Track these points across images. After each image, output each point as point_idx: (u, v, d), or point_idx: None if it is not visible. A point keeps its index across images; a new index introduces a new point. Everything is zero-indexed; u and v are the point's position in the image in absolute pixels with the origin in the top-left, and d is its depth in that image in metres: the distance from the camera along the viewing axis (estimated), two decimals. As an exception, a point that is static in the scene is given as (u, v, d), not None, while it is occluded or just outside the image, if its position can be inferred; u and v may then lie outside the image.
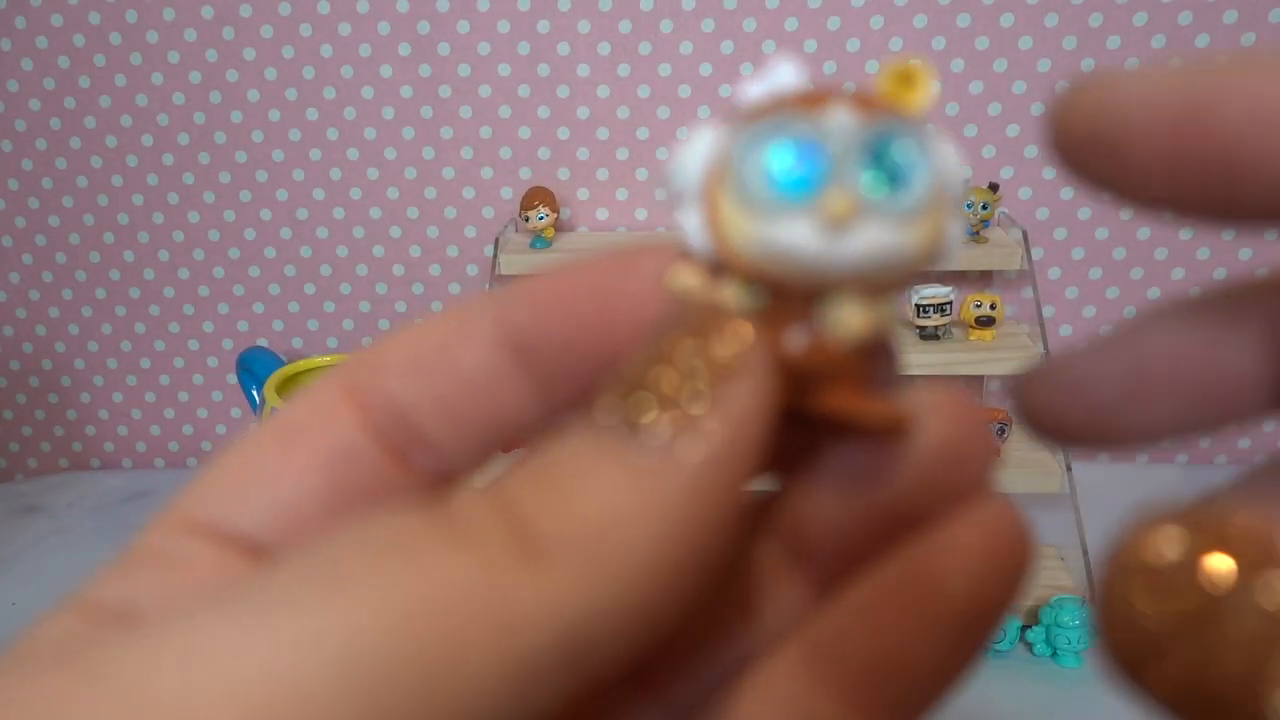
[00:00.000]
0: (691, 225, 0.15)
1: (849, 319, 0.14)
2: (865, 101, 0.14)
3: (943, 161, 0.15)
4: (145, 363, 1.03)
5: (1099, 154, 0.13)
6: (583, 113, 0.90)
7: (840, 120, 0.14)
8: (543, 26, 0.88)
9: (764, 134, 0.15)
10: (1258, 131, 0.12)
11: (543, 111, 0.90)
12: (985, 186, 0.82)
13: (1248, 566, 0.11)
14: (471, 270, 0.96)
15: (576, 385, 0.15)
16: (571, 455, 0.13)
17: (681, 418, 0.12)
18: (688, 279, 0.15)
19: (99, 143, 0.95)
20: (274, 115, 0.93)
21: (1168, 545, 0.12)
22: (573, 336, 0.15)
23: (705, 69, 0.87)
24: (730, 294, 0.15)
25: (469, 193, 0.94)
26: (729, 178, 0.15)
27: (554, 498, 0.12)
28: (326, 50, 0.90)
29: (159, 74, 0.92)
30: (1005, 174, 0.89)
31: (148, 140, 0.94)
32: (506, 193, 0.93)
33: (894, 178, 0.14)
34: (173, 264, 0.99)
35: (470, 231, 0.95)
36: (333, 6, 0.89)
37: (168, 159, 0.95)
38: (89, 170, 0.96)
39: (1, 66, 0.93)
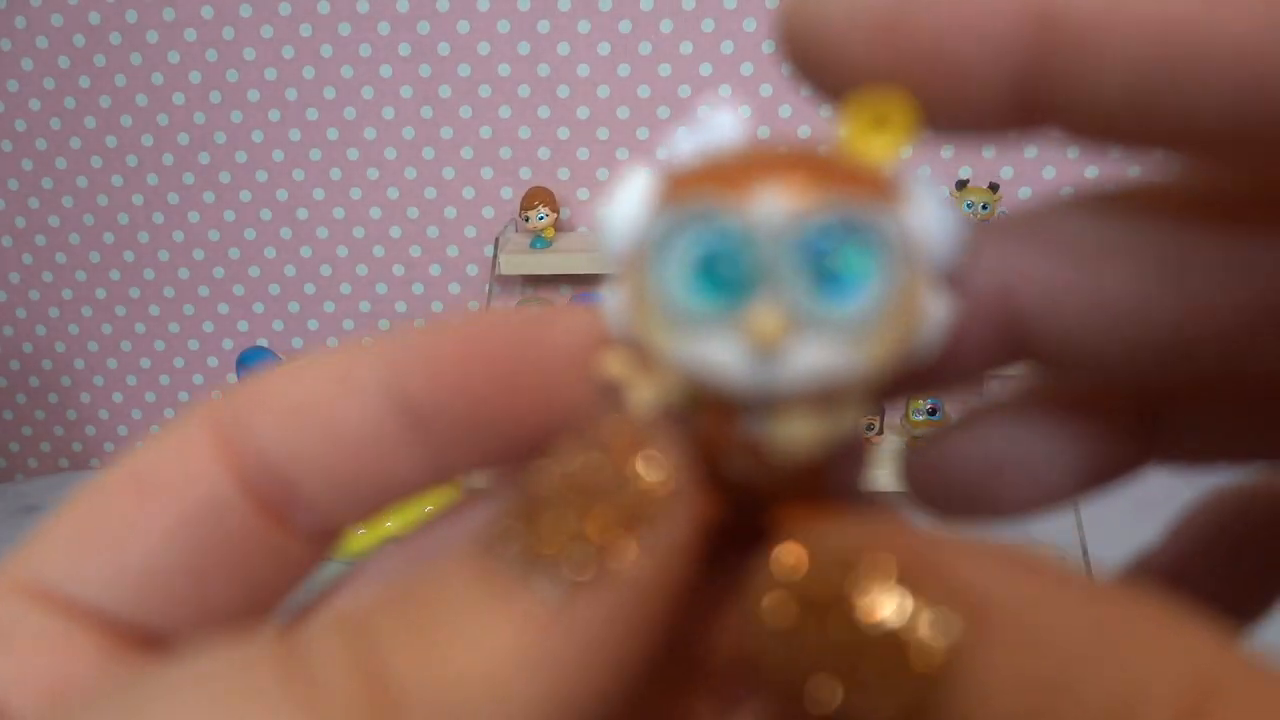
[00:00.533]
0: (614, 307, 0.13)
1: (795, 436, 0.12)
2: (811, 170, 0.12)
3: (909, 245, 0.12)
4: (145, 363, 1.03)
5: (817, 67, 0.12)
6: (583, 113, 0.90)
7: (769, 211, 0.11)
8: (543, 26, 0.88)
9: (681, 226, 0.12)
10: (954, 37, 0.11)
11: (543, 111, 0.90)
12: (985, 186, 0.82)
13: (835, 587, 0.10)
14: (471, 270, 0.96)
15: (472, 454, 0.14)
16: (451, 591, 0.11)
17: (589, 558, 0.10)
18: (614, 367, 0.13)
19: (99, 143, 0.95)
20: (274, 115, 0.93)
21: (784, 567, 0.11)
22: (470, 407, 0.13)
23: (705, 69, 0.87)
24: (659, 391, 0.12)
25: (469, 193, 0.94)
26: (646, 272, 0.12)
27: (423, 644, 0.10)
28: (326, 50, 0.90)
29: (159, 74, 0.92)
30: (1005, 174, 0.88)
31: (148, 140, 0.94)
32: (506, 193, 0.93)
33: (837, 283, 0.12)
34: (173, 264, 0.99)
35: (470, 231, 0.95)
36: (333, 7, 0.89)
37: (168, 159, 0.95)
38: (89, 170, 0.96)
39: (1, 66, 0.93)
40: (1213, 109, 0.10)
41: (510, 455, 0.14)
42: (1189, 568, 0.18)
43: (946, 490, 0.16)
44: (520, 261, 0.84)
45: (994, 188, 0.82)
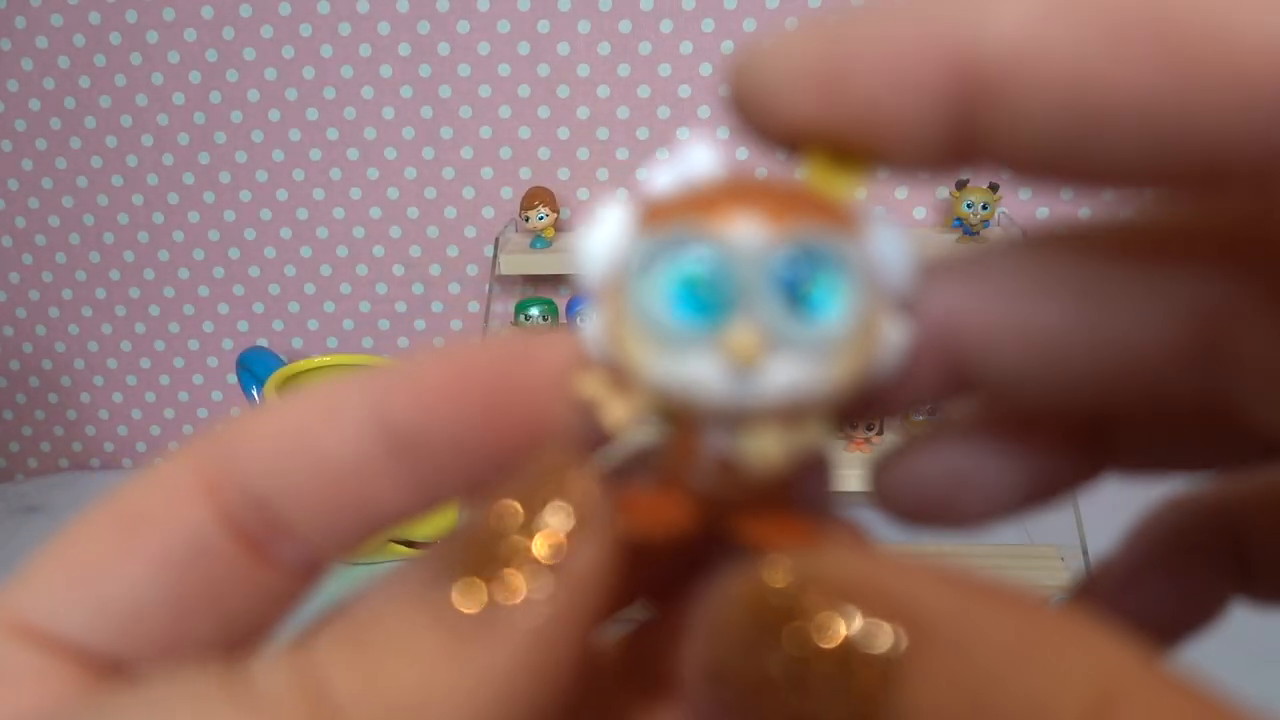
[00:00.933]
0: (593, 331, 0.13)
1: (765, 452, 0.13)
2: (783, 200, 0.13)
3: (871, 273, 0.13)
4: (145, 363, 1.03)
5: (765, 125, 0.13)
6: (583, 113, 0.90)
7: (746, 238, 0.12)
8: (543, 26, 0.88)
9: (663, 251, 0.13)
10: (885, 91, 0.12)
11: (543, 111, 0.90)
12: (985, 186, 0.82)
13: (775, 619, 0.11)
14: (471, 270, 0.96)
15: (457, 480, 0.14)
16: (389, 615, 0.12)
17: (514, 581, 0.11)
18: (590, 387, 0.13)
19: (99, 143, 0.95)
20: (274, 115, 0.93)
21: (743, 586, 0.12)
22: (456, 433, 0.14)
23: (705, 69, 0.87)
24: (632, 410, 0.13)
25: (469, 193, 0.94)
26: (627, 295, 0.13)
27: (363, 666, 0.11)
28: (326, 50, 0.90)
29: (159, 74, 0.92)
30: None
31: (148, 140, 0.94)
32: (506, 193, 0.93)
33: (807, 306, 0.13)
34: (173, 264, 0.99)
35: (470, 231, 0.95)
36: (333, 6, 0.89)
37: (168, 159, 0.95)
38: (89, 170, 0.96)
39: (1, 66, 0.93)
40: (1128, 148, 0.11)
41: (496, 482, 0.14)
42: (1143, 574, 0.19)
43: (912, 503, 0.17)
44: (520, 261, 0.84)
45: (994, 187, 0.82)
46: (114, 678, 0.13)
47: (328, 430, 0.14)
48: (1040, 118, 0.11)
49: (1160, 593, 0.19)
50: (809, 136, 0.13)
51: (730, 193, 0.13)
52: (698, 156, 0.14)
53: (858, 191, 0.13)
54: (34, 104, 0.94)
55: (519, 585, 0.11)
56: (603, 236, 0.13)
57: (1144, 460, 0.18)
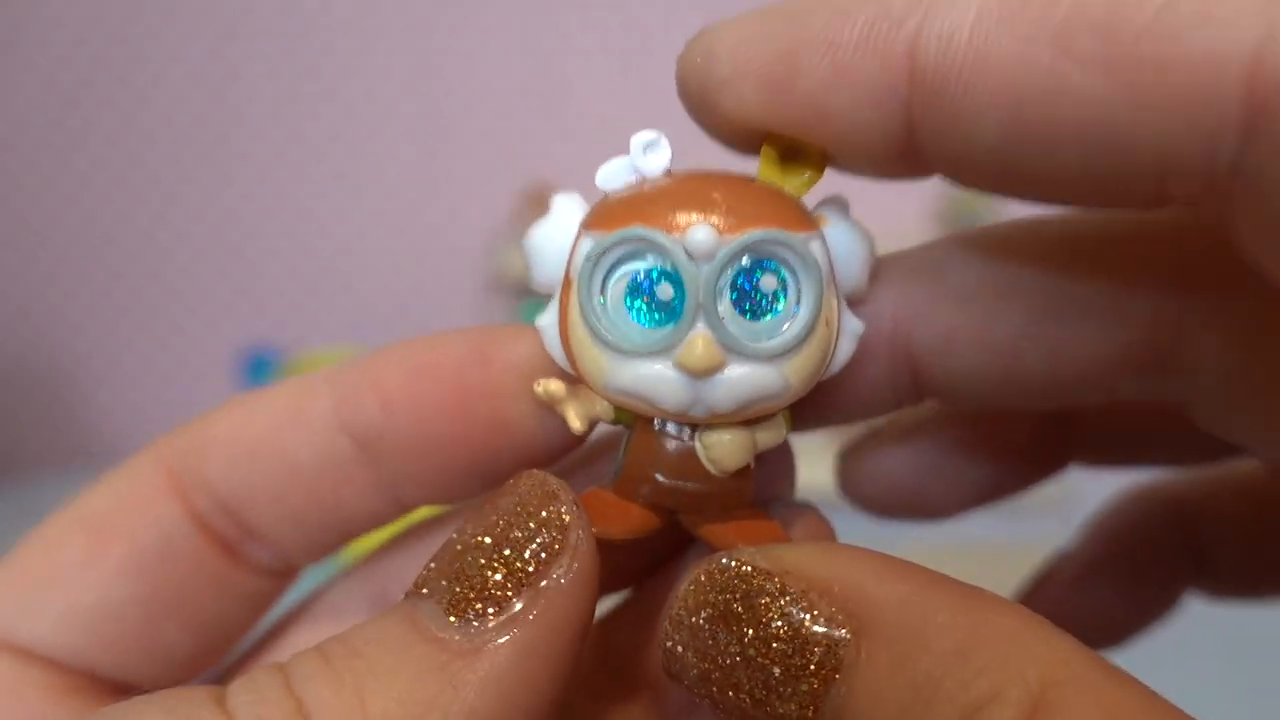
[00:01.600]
0: (549, 333, 0.13)
1: (724, 451, 0.13)
2: (737, 203, 0.12)
3: (827, 271, 0.13)
4: (145, 363, 1.03)
5: (716, 120, 0.13)
6: (583, 113, 0.90)
7: (700, 245, 0.12)
8: (543, 28, 0.88)
9: (617, 256, 0.13)
10: (833, 91, 0.12)
11: (543, 111, 0.90)
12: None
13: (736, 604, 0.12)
14: (471, 271, 0.96)
15: (426, 483, 0.14)
16: (371, 633, 0.11)
17: (500, 601, 0.11)
18: (551, 386, 0.13)
19: (99, 143, 0.95)
20: (274, 115, 0.93)
21: (700, 578, 0.12)
22: (420, 434, 0.14)
23: (705, 70, 0.88)
24: (592, 412, 0.13)
25: (469, 193, 0.94)
26: (580, 299, 0.13)
27: (348, 687, 0.11)
28: (327, 51, 0.90)
29: (159, 78, 0.92)
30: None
31: (148, 141, 0.95)
32: (506, 193, 0.93)
33: (763, 311, 0.13)
34: (173, 264, 0.99)
35: (470, 232, 0.95)
36: (332, 8, 0.89)
37: (168, 159, 0.95)
38: (90, 170, 0.96)
39: (2, 70, 0.93)
40: (1071, 155, 0.11)
41: (464, 484, 0.14)
42: (1101, 565, 0.19)
43: (877, 495, 0.17)
44: (520, 262, 0.84)
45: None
46: (92, 691, 0.13)
47: (294, 433, 0.14)
48: (986, 120, 0.11)
49: (1117, 584, 0.19)
50: (759, 132, 0.13)
51: (683, 195, 0.13)
52: (652, 151, 0.14)
53: (811, 187, 0.13)
54: (35, 106, 0.94)
55: (508, 600, 0.11)
56: (554, 234, 0.13)
57: (1104, 454, 0.18)
